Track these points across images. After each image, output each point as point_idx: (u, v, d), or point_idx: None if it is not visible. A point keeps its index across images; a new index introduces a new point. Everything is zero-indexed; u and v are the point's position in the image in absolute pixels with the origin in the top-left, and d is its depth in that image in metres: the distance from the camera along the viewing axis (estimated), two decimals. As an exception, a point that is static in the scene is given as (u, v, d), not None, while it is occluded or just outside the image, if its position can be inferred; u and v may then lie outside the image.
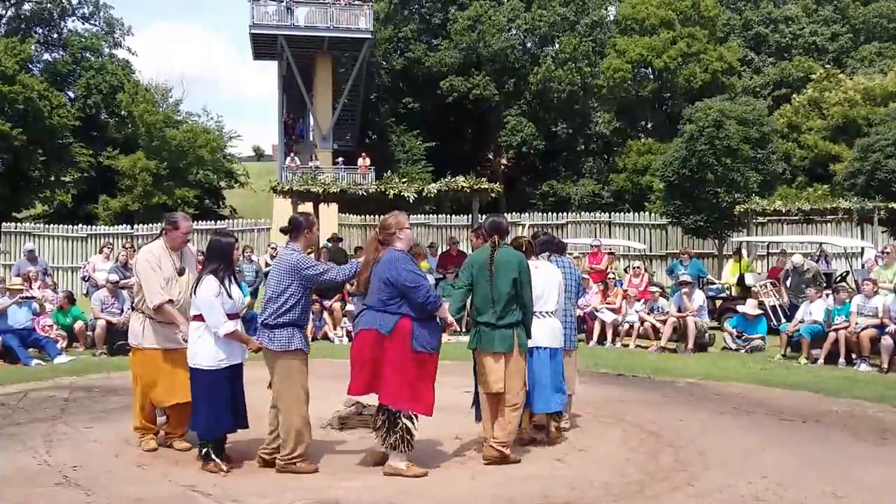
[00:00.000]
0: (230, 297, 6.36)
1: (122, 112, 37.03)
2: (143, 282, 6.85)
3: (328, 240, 17.82)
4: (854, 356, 12.01)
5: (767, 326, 14.30)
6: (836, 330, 12.19)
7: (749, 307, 14.17)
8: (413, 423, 6.26)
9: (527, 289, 6.64)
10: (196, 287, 6.38)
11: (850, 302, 12.44)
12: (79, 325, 13.86)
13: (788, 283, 15.15)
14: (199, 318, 6.35)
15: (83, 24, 41.05)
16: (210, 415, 6.32)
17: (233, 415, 6.43)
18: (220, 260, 6.44)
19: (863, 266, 16.48)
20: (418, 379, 6.22)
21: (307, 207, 16.79)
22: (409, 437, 6.24)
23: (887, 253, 13.99)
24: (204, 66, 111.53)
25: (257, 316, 7.47)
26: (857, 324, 12.03)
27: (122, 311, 13.57)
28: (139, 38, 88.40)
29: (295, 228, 6.49)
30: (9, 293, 12.95)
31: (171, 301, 6.81)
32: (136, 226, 28.66)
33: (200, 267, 6.86)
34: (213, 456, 6.32)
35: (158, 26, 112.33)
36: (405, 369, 6.15)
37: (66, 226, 28.12)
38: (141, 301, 6.94)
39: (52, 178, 34.74)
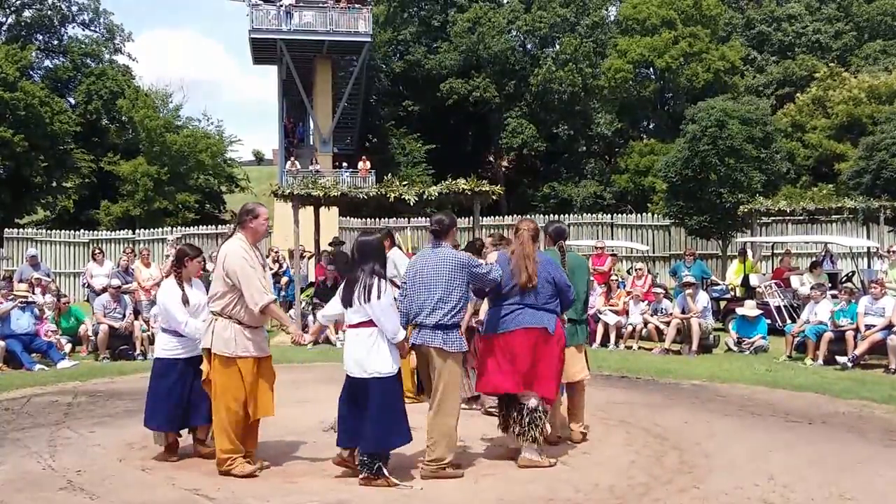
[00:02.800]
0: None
1: (123, 117, 37.07)
2: (245, 281, 6.21)
3: (330, 243, 17.78)
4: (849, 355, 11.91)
5: (773, 327, 14.24)
6: (843, 331, 12.13)
7: (747, 308, 14.10)
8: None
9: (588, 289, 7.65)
10: (368, 292, 6.01)
11: (856, 303, 12.38)
12: (83, 329, 13.92)
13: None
14: (367, 324, 6.06)
15: (83, 30, 41.19)
16: (389, 426, 6.00)
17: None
18: (379, 259, 6.21)
19: (869, 266, 16.39)
20: (560, 373, 6.71)
21: (308, 211, 16.73)
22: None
23: (893, 252, 13.90)
24: (204, 70, 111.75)
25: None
26: (865, 326, 11.94)
27: (125, 315, 13.64)
28: (139, 43, 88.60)
29: (442, 229, 6.46)
30: (12, 297, 13.00)
31: (275, 300, 6.45)
32: (137, 231, 28.71)
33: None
34: (386, 471, 6.01)
35: (158, 32, 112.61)
36: (558, 364, 6.58)
37: (67, 231, 28.12)
38: (231, 305, 6.31)
39: (54, 184, 34.73)
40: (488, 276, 6.40)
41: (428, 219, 26.87)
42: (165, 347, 6.87)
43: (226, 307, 6.31)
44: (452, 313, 6.19)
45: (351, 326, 6.15)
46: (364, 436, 6.00)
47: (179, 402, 6.71)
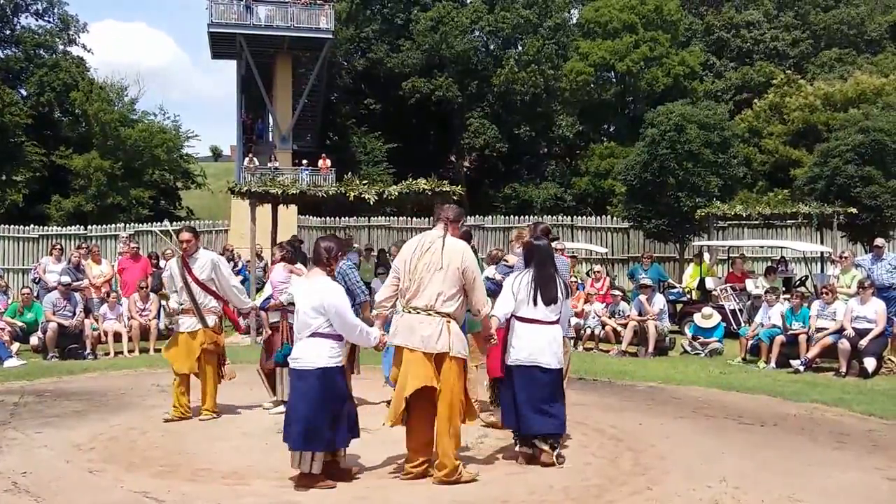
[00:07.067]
0: None
1: (76, 110, 36.28)
2: (478, 284, 6.00)
3: (288, 242, 17.59)
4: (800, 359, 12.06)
5: (728, 330, 14.37)
6: (796, 335, 12.27)
7: (701, 318, 14.18)
8: None
9: None
10: (567, 292, 6.70)
11: (808, 307, 12.54)
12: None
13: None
14: (559, 321, 6.67)
15: (37, 20, 40.23)
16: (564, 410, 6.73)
17: None
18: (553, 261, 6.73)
19: (822, 271, 16.58)
20: None
21: (266, 209, 16.54)
22: None
23: (844, 258, 14.05)
24: (162, 64, 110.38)
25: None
26: (816, 329, 12.11)
27: (75, 313, 13.31)
28: (95, 35, 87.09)
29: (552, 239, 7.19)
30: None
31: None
32: (89, 227, 28.11)
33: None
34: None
35: (112, 23, 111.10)
36: None
37: (17, 226, 27.43)
38: (461, 306, 5.98)
39: (4, 178, 33.94)
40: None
41: (388, 219, 26.86)
42: (331, 355, 5.97)
43: (456, 309, 5.96)
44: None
45: (542, 323, 6.52)
46: (555, 419, 6.54)
47: (350, 414, 6.10)
